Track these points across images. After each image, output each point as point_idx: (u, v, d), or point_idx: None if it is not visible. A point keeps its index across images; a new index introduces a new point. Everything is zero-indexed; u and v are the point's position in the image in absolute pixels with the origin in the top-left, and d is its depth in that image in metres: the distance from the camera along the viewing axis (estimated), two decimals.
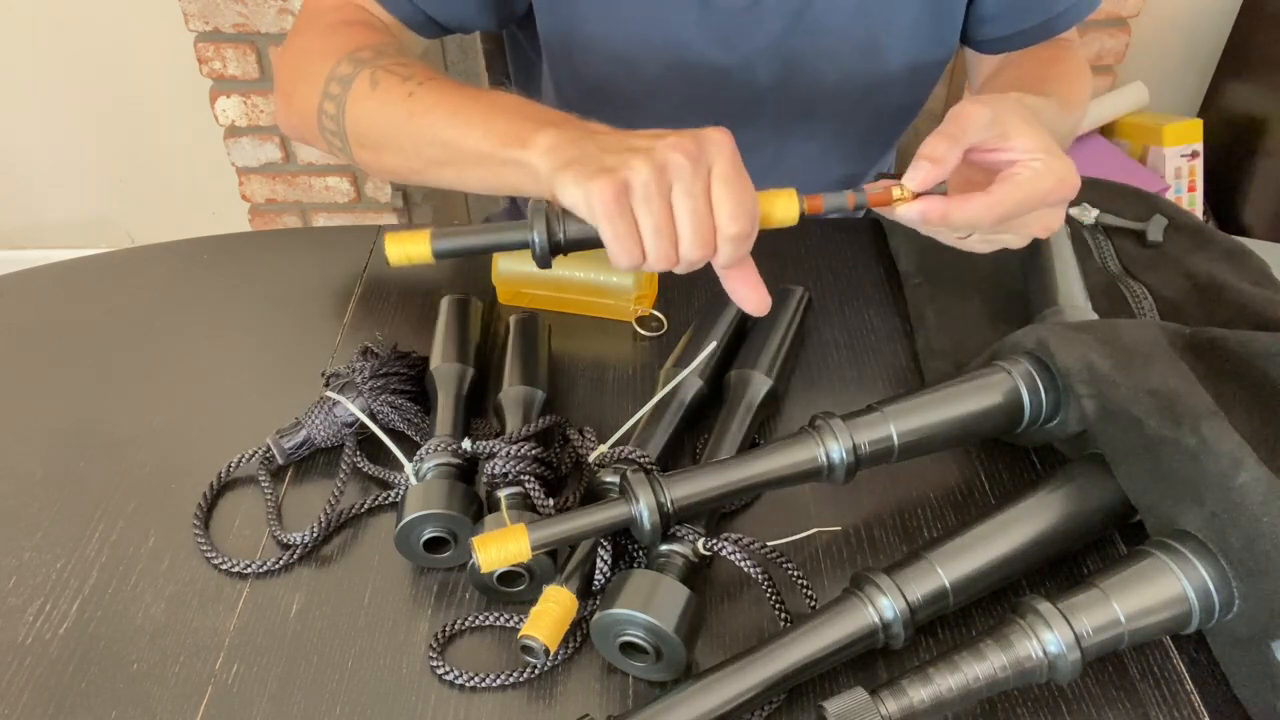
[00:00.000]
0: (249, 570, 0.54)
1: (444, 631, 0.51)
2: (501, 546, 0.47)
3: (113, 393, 0.66)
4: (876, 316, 0.72)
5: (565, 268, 0.70)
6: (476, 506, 0.55)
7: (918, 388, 0.55)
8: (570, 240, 0.53)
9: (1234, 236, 0.75)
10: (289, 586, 0.54)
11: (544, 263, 0.53)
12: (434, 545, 0.54)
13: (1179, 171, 1.71)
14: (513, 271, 0.71)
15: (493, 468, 0.55)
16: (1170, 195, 1.69)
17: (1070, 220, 0.77)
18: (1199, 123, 1.70)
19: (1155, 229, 0.75)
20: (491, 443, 0.56)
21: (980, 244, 0.60)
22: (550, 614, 0.48)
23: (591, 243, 0.52)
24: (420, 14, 0.75)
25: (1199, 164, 1.71)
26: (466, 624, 0.52)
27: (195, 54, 1.71)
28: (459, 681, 0.49)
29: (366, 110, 0.64)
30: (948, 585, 0.48)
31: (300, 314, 0.73)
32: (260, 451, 0.59)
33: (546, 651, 0.47)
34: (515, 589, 0.52)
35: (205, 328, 0.72)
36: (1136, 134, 1.75)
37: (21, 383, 0.67)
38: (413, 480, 0.55)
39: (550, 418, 0.59)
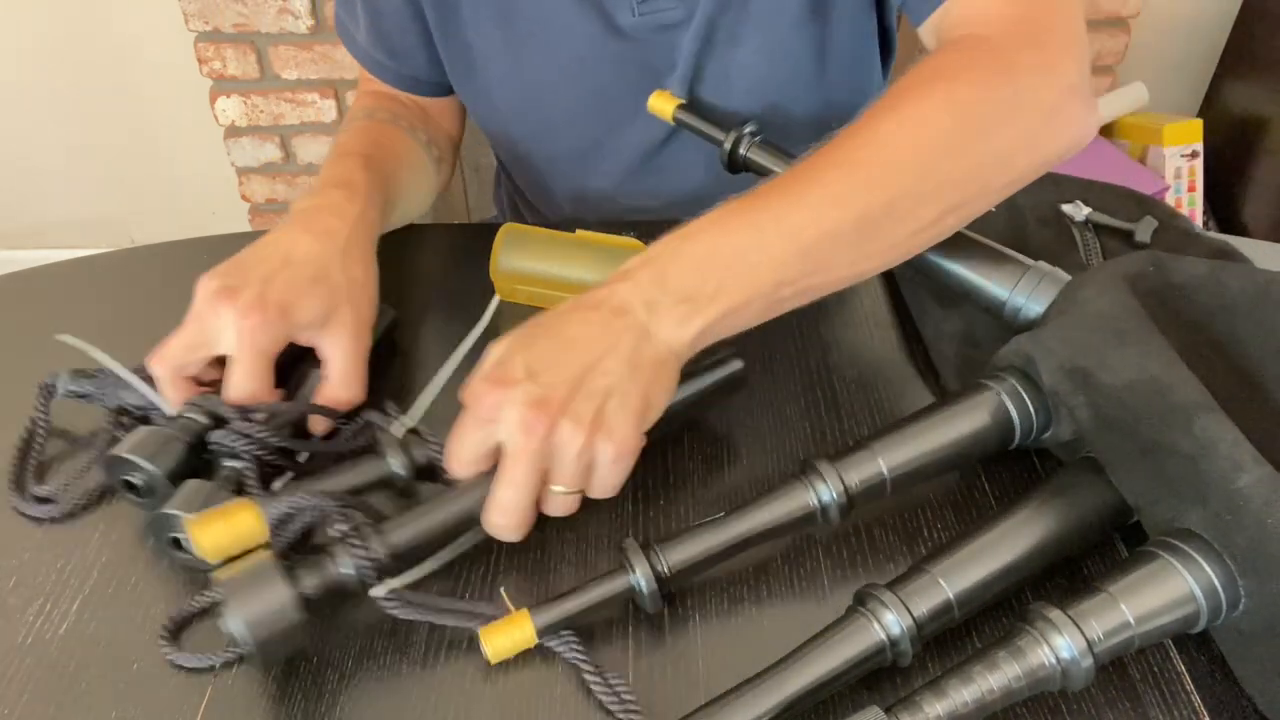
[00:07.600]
0: None
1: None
2: (508, 635, 0.48)
3: None
4: (873, 316, 0.72)
5: (565, 267, 0.70)
6: (191, 469, 0.55)
7: (926, 381, 0.54)
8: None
9: (1223, 236, 0.75)
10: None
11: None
12: (133, 490, 0.55)
13: (1179, 171, 1.71)
14: (512, 267, 0.71)
15: (220, 437, 0.55)
16: (1170, 195, 1.70)
17: (1061, 215, 0.77)
18: (1199, 123, 1.70)
19: (1144, 230, 0.75)
20: (237, 410, 0.56)
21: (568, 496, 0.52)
22: (222, 519, 0.47)
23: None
24: (397, 75, 0.85)
25: (1199, 164, 1.71)
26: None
27: (195, 54, 1.71)
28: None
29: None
30: (952, 598, 0.48)
31: None
32: None
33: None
34: (142, 499, 0.55)
35: None
36: (1136, 134, 1.75)
37: (22, 383, 0.67)
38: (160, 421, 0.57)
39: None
